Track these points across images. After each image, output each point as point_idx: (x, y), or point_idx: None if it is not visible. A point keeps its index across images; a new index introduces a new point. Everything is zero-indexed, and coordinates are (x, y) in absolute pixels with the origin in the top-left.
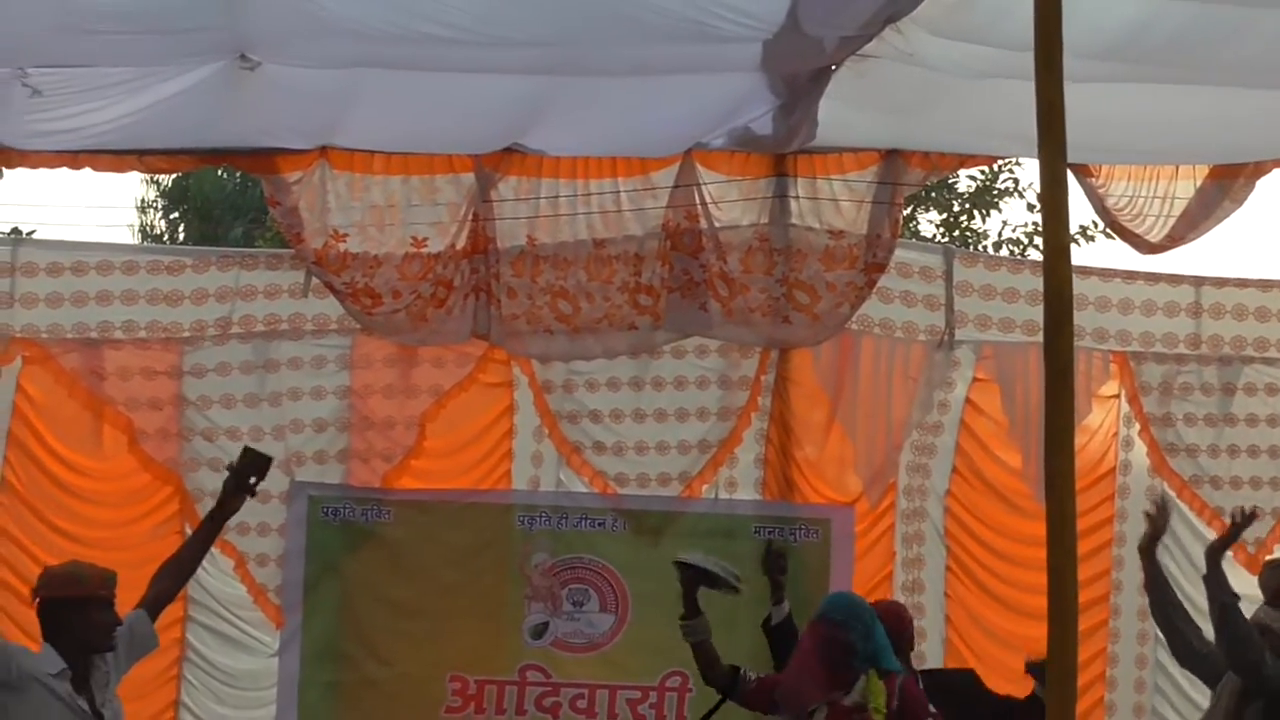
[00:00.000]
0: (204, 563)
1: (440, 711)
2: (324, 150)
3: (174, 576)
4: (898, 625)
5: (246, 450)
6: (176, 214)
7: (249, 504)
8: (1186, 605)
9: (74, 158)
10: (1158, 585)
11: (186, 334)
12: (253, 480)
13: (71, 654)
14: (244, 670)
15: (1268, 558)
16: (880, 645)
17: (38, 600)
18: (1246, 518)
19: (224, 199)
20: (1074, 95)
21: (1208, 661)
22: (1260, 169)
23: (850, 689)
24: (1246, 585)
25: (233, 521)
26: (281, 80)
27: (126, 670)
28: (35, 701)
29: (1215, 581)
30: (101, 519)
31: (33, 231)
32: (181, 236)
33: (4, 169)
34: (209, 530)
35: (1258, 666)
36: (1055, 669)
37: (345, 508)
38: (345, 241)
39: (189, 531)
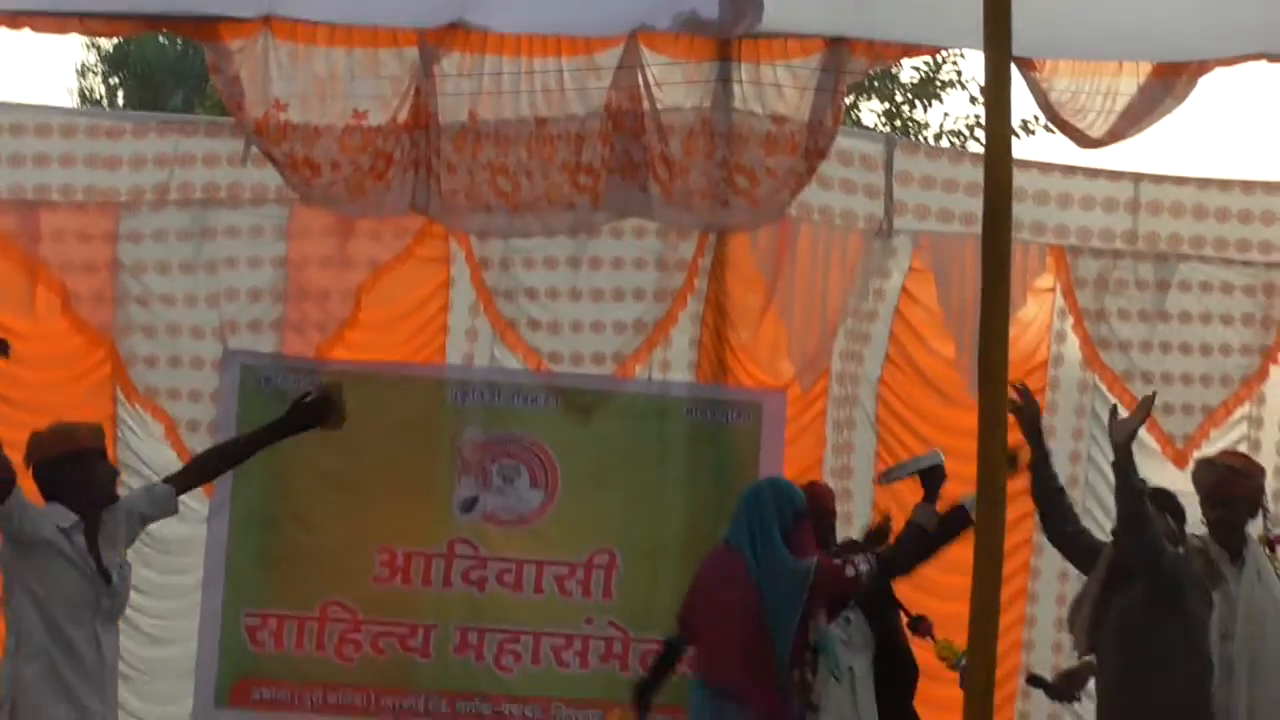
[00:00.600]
0: (134, 427)
1: (368, 581)
2: (267, 19)
3: (208, 466)
4: (822, 506)
5: (326, 385)
6: (116, 79)
7: (182, 371)
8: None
9: (13, 18)
10: (1044, 465)
11: (124, 199)
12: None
13: (80, 508)
14: (174, 536)
15: (1198, 454)
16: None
17: (34, 465)
18: (1148, 400)
19: (165, 65)
20: None
21: (1075, 542)
22: (1203, 68)
23: None
24: (1175, 480)
25: (164, 386)
26: None
27: (139, 530)
28: (41, 560)
29: (1124, 468)
30: (33, 380)
31: None
32: (121, 102)
33: None
34: (258, 440)
35: (1157, 550)
36: (983, 553)
37: (278, 377)
38: (286, 111)
39: (122, 397)
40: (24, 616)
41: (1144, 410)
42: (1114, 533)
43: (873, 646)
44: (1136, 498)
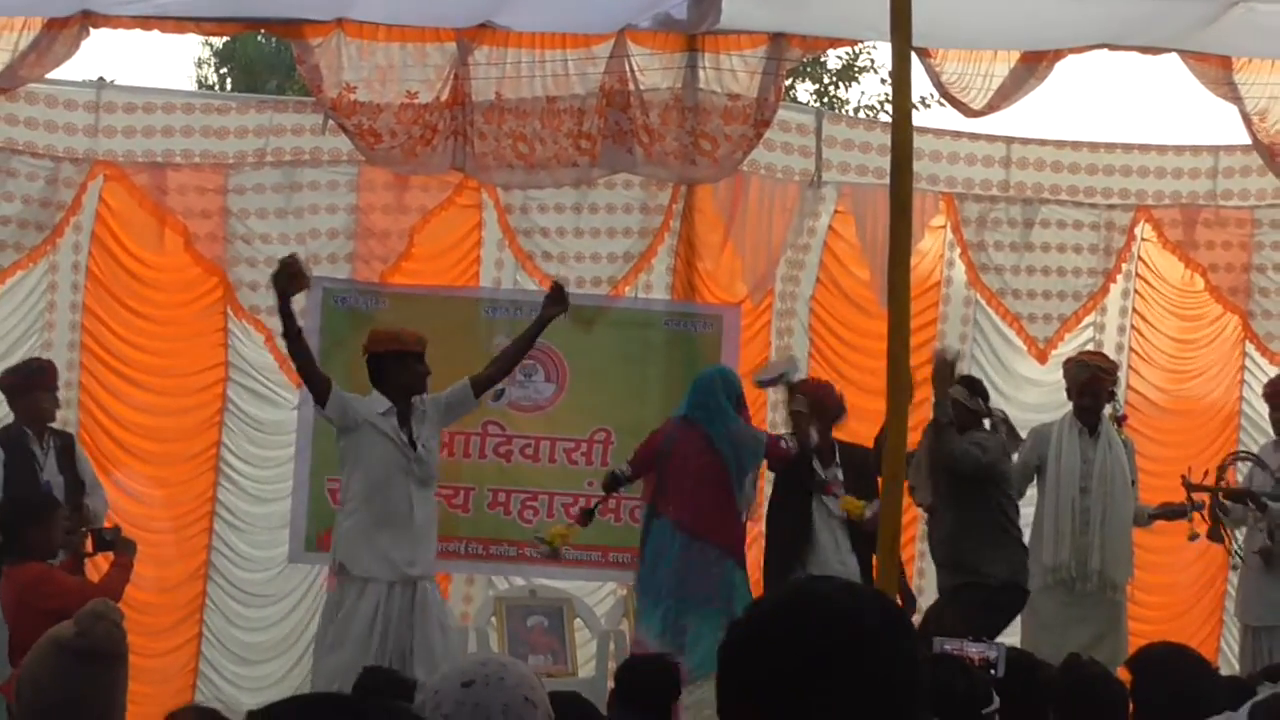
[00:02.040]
0: (241, 337)
1: None
2: (340, 21)
3: (497, 366)
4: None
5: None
6: (225, 70)
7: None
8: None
9: (144, 21)
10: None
11: (231, 161)
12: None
13: (395, 397)
14: (270, 419)
15: (1055, 353)
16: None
17: (368, 355)
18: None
19: (263, 58)
20: None
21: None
22: (1058, 55)
23: None
24: (1037, 372)
25: (263, 305)
26: None
27: (446, 422)
28: (366, 438)
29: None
30: (162, 301)
31: (114, 79)
32: (230, 86)
33: (91, 29)
34: (530, 335)
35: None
36: (892, 432)
37: (351, 297)
38: (354, 93)
39: (231, 313)
40: (350, 483)
41: (944, 374)
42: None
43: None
44: (939, 431)
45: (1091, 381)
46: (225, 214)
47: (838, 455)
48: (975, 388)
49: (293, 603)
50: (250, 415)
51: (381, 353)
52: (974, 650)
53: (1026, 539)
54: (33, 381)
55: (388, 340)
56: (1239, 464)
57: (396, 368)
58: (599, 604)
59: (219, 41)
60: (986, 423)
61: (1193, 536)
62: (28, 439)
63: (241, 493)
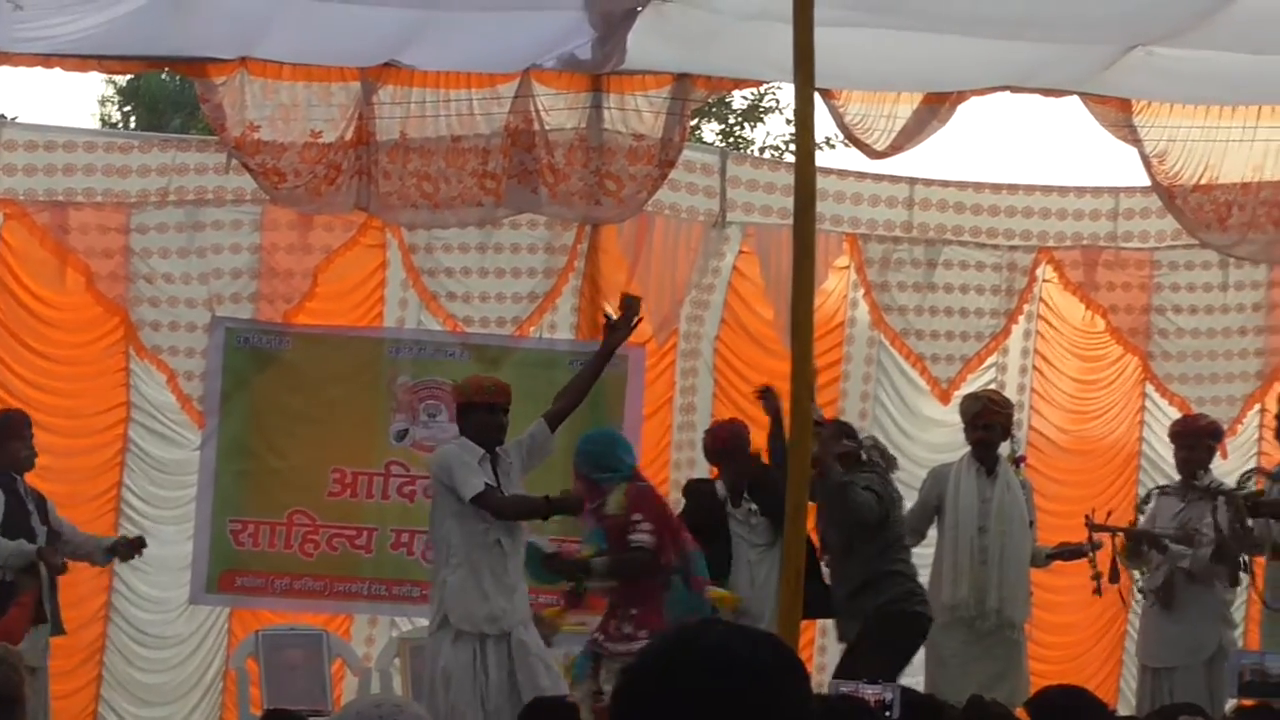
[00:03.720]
0: (143, 377)
1: (324, 494)
2: (243, 60)
3: (567, 399)
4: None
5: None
6: (129, 107)
7: (180, 333)
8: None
9: (46, 59)
10: (779, 440)
11: (133, 200)
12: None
13: (485, 447)
14: (172, 460)
15: (958, 393)
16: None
17: (460, 404)
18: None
19: (166, 96)
20: (823, 35)
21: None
22: (961, 97)
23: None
24: (941, 414)
25: (165, 345)
26: (211, 5)
27: (530, 466)
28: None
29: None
30: (64, 340)
31: (15, 117)
32: (133, 124)
33: None
34: (596, 366)
35: (860, 512)
36: (795, 470)
37: (254, 337)
38: (258, 132)
39: (133, 353)
40: (450, 536)
41: (829, 434)
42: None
43: (773, 541)
44: (838, 489)
45: (983, 413)
46: (128, 253)
47: (747, 492)
48: (845, 430)
49: (194, 645)
50: (152, 456)
51: (468, 402)
52: (870, 692)
53: (924, 578)
54: (7, 431)
55: (476, 390)
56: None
57: (487, 420)
58: None
59: (122, 79)
60: (863, 454)
61: (1095, 576)
62: (16, 484)
63: (143, 534)
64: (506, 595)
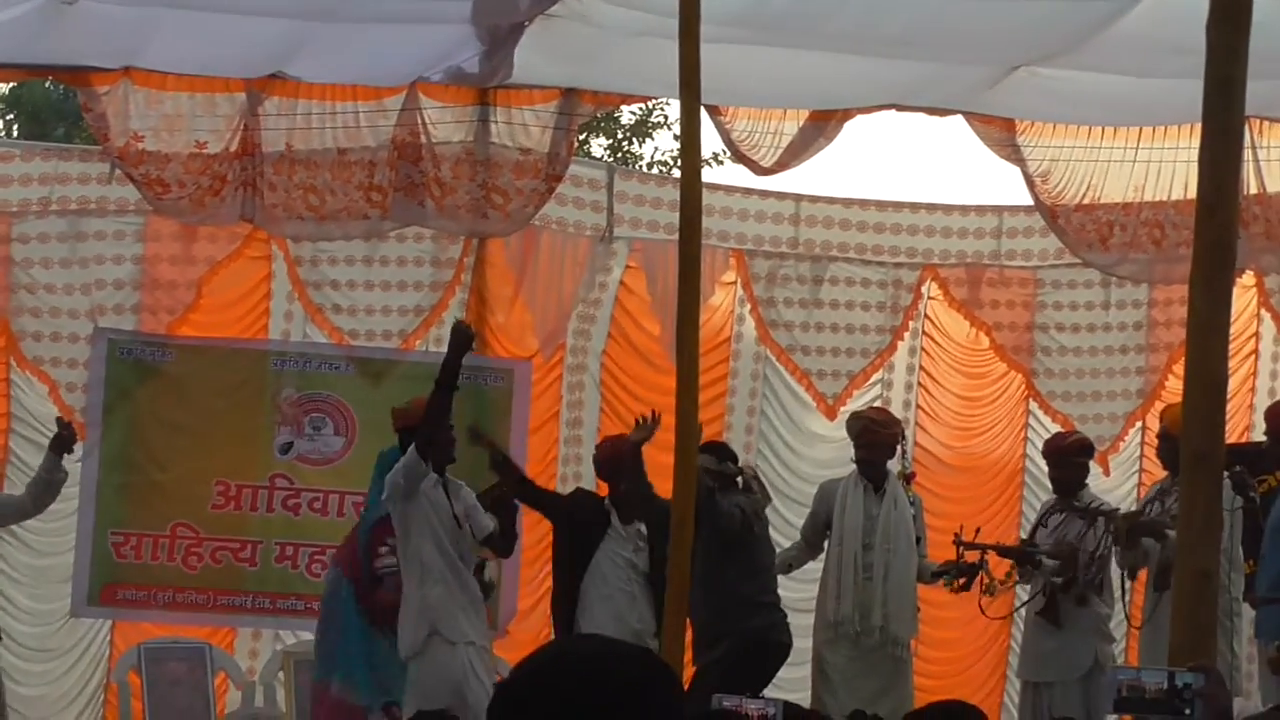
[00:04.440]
0: (24, 388)
1: (207, 507)
2: (127, 70)
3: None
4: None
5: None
6: (10, 116)
7: (61, 344)
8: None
9: None
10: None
11: (15, 209)
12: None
13: (436, 469)
14: None
15: (844, 409)
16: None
17: (399, 430)
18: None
19: (49, 105)
20: (709, 52)
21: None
22: (847, 115)
23: None
24: (827, 429)
25: (47, 356)
26: (94, 13)
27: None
28: (426, 508)
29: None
30: None
31: None
32: (15, 133)
33: None
34: (447, 372)
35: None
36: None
37: (137, 348)
38: (143, 142)
39: (14, 364)
40: (419, 550)
41: (644, 432)
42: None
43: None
44: (705, 496)
45: (866, 434)
46: (9, 263)
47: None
48: (722, 453)
49: (75, 658)
50: (32, 467)
51: (414, 427)
52: (753, 707)
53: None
54: None
55: (417, 415)
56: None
57: (443, 438)
58: None
59: (4, 87)
60: (739, 480)
61: (987, 589)
62: None
63: (23, 545)
64: (478, 609)
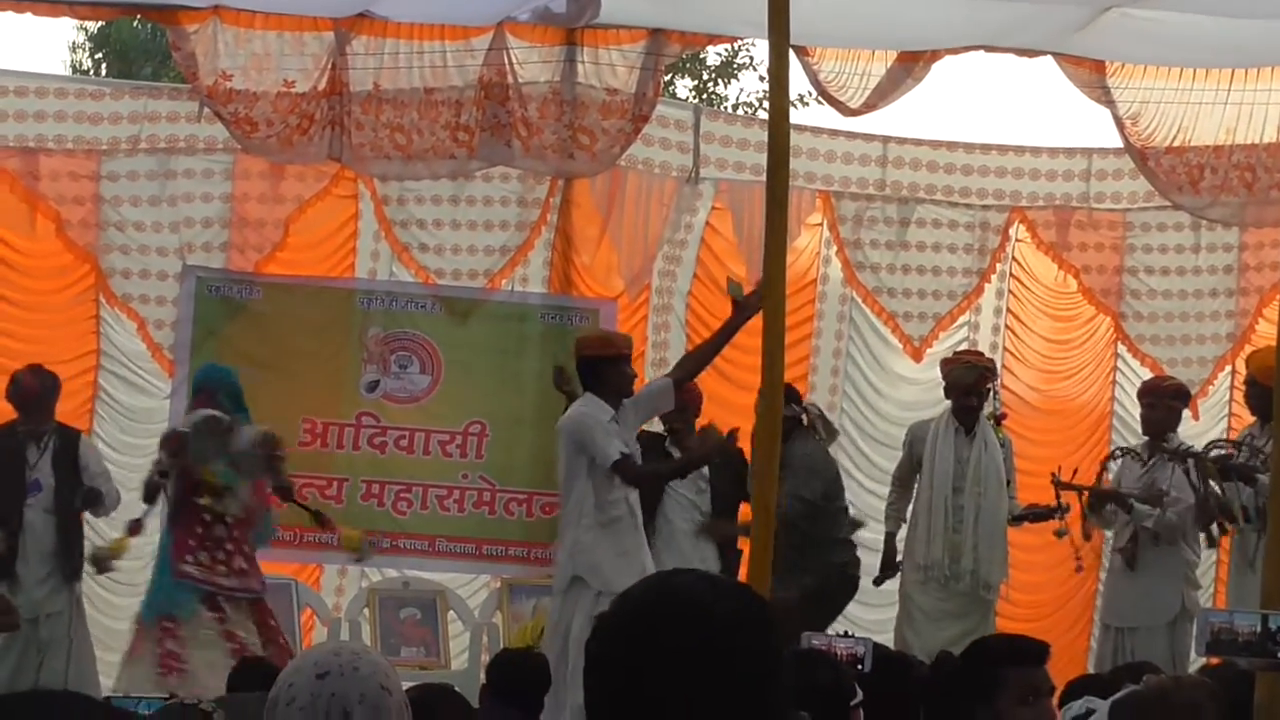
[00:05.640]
0: (113, 325)
1: (295, 445)
2: (216, 8)
3: (686, 368)
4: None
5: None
6: (100, 54)
7: (150, 281)
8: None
9: (18, 4)
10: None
11: (104, 147)
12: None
13: (613, 402)
14: (141, 408)
15: (930, 351)
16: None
17: (580, 359)
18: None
19: (138, 44)
20: None
21: None
22: (935, 56)
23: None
24: (913, 370)
25: (136, 293)
26: None
27: (641, 422)
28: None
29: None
30: (34, 288)
31: None
32: (104, 71)
33: None
34: (719, 342)
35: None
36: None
37: (225, 286)
38: (231, 81)
39: (103, 301)
40: (587, 494)
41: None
42: None
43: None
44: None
45: (979, 383)
46: (98, 201)
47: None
48: (788, 394)
49: None
50: (121, 403)
51: (595, 356)
52: (842, 646)
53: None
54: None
55: (601, 345)
56: (1111, 463)
57: (612, 372)
58: (472, 596)
59: (94, 26)
60: (804, 418)
61: (1060, 533)
62: (19, 438)
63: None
64: (634, 557)
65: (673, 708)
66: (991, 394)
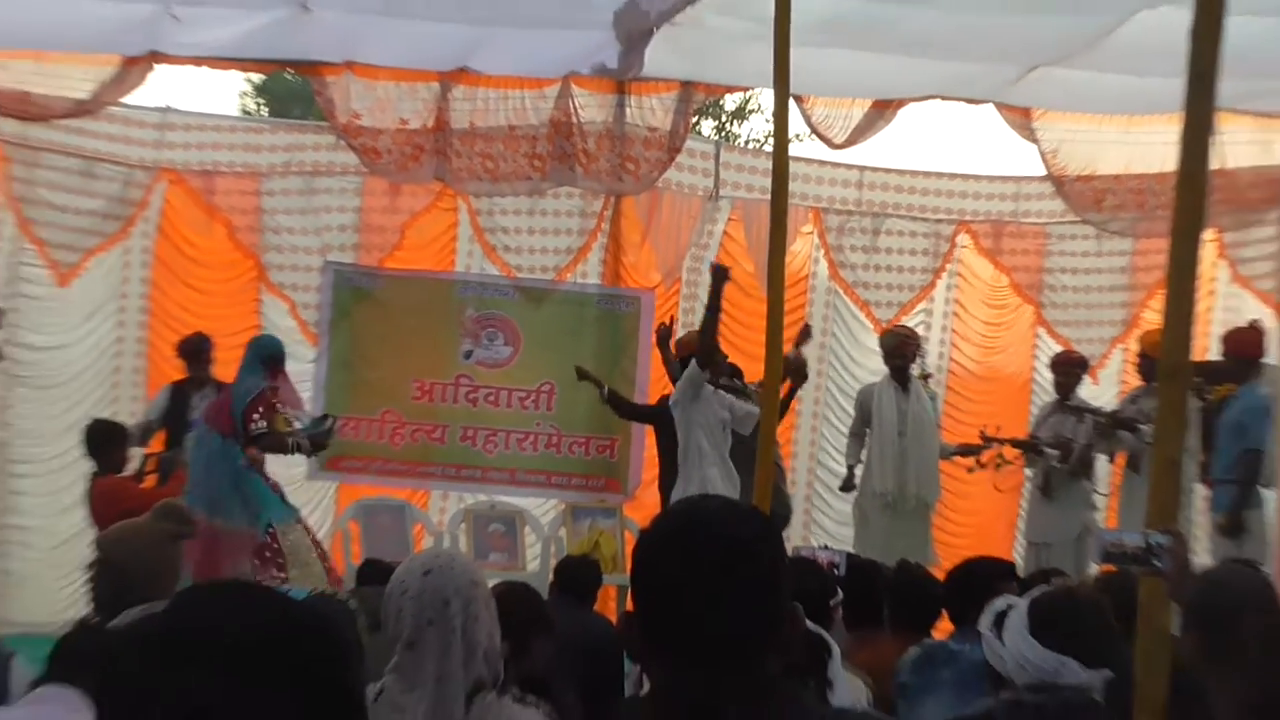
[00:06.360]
0: (271, 305)
1: (408, 399)
2: (349, 64)
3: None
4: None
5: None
6: (262, 99)
7: (299, 273)
8: (846, 356)
9: (198, 61)
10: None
11: (265, 171)
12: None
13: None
14: (294, 371)
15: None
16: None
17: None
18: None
19: (290, 91)
20: (797, 53)
21: None
22: (902, 103)
23: None
24: (873, 342)
25: (288, 282)
26: (324, 20)
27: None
28: (702, 409)
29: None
30: (210, 277)
31: (175, 105)
32: (265, 112)
33: (156, 65)
34: (710, 307)
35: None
36: (768, 377)
37: (356, 277)
38: (360, 119)
39: (264, 288)
40: (702, 441)
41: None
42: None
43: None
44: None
45: (901, 346)
46: (260, 212)
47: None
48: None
49: (308, 510)
50: None
51: (690, 354)
52: (822, 555)
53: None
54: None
55: (693, 344)
56: (1031, 418)
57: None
58: (544, 516)
59: (257, 77)
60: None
61: (971, 469)
62: (188, 387)
63: None
64: (735, 488)
65: (704, 612)
66: (919, 357)
